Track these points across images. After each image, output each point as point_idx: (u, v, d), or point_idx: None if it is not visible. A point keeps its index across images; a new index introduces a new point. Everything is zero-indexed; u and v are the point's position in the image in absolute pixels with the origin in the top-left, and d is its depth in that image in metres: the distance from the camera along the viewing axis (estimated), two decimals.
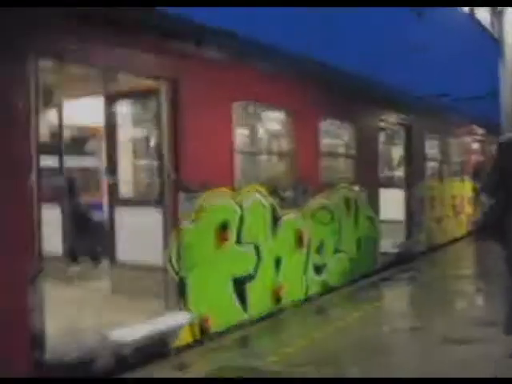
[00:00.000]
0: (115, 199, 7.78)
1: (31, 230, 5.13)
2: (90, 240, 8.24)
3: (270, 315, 7.91)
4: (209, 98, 6.96)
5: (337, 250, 9.68)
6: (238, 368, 5.83)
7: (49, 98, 8.44)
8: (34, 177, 5.11)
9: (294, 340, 6.90)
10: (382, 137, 13.20)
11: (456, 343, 6.43)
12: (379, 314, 8.43)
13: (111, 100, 7.71)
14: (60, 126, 8.50)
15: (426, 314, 8.05)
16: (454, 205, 15.30)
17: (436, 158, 14.69)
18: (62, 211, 8.46)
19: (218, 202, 7.08)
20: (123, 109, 7.72)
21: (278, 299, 8.07)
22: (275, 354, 6.34)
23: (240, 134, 7.90)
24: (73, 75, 6.87)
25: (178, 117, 6.57)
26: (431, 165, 14.32)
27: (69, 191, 8.64)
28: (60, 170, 8.65)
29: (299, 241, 8.57)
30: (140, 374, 5.72)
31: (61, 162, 8.60)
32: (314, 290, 8.99)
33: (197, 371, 5.78)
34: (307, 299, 8.81)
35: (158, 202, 6.71)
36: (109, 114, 7.76)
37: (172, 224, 6.56)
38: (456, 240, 15.12)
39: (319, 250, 9.15)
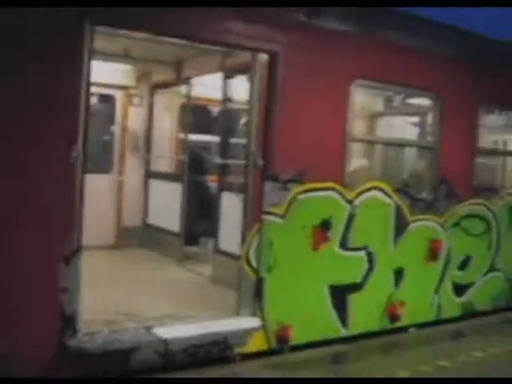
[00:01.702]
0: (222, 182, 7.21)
1: (69, 207, 4.70)
2: (209, 221, 7.78)
3: (382, 334, 6.79)
4: (317, 73, 6.01)
5: (491, 269, 8.07)
6: None
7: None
8: (77, 150, 4.66)
9: (397, 369, 5.76)
10: None
11: None
12: None
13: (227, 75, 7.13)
14: (189, 99, 8.21)
15: None
16: None
17: None
18: (183, 187, 8.15)
19: (320, 198, 6.13)
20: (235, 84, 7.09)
21: (394, 317, 6.88)
22: None
23: (361, 120, 6.81)
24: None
25: (271, 94, 5.74)
26: None
27: (192, 168, 8.25)
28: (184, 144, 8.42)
29: (432, 253, 7.21)
30: (186, 374, 5.14)
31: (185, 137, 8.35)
32: (450, 312, 7.58)
33: None
34: (440, 322, 7.45)
35: (241, 190, 5.97)
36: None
37: (254, 216, 5.78)
38: None
39: (463, 265, 7.67)
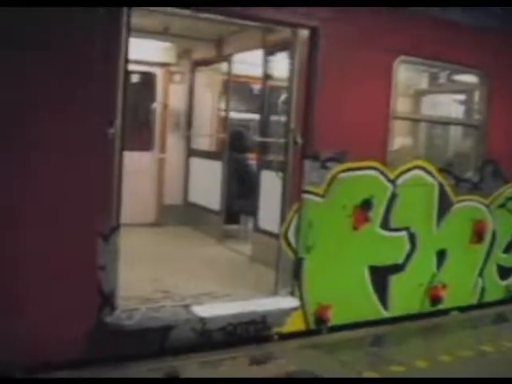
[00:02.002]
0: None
1: (108, 184, 4.70)
2: (249, 200, 7.73)
3: (424, 316, 6.67)
4: (359, 49, 5.85)
5: None
6: (316, 376, 4.86)
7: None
8: (115, 126, 4.65)
9: (437, 353, 5.65)
10: None
11: None
12: None
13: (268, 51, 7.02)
14: (229, 77, 8.14)
15: None
16: None
17: None
18: (224, 166, 8.12)
19: (361, 177, 6.00)
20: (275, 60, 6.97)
21: (435, 299, 6.74)
22: (399, 363, 5.27)
23: (405, 98, 6.63)
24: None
25: (312, 71, 5.62)
26: None
27: (232, 146, 8.19)
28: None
29: (478, 235, 7.01)
30: (221, 354, 5.13)
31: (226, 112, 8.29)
32: (494, 295, 7.38)
33: (269, 369, 4.98)
34: (483, 305, 7.27)
35: (281, 169, 5.89)
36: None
37: (294, 195, 5.70)
38: None
39: (508, 248, 7.44)
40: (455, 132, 8.81)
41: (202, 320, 5.17)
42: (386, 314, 6.36)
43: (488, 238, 7.14)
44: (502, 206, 7.27)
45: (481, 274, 7.19)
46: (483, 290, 7.24)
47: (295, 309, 5.74)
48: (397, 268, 6.41)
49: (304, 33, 5.61)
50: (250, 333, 5.48)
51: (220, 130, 8.74)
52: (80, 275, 4.62)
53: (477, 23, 6.61)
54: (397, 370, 5.16)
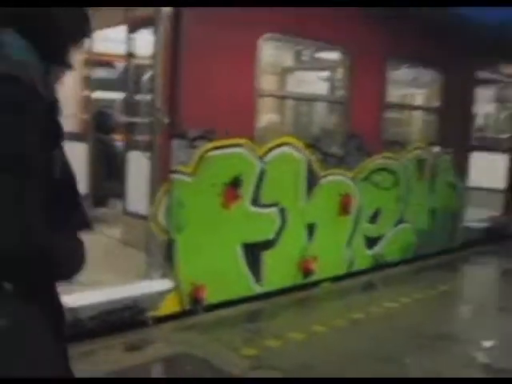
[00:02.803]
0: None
1: None
2: (117, 182, 7.48)
3: (297, 289, 6.82)
4: (224, 26, 5.78)
5: (400, 221, 8.24)
6: (197, 360, 4.84)
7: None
8: None
9: (312, 324, 5.79)
10: (487, 91, 11.28)
11: None
12: (440, 301, 7.00)
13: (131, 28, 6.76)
14: (91, 55, 7.80)
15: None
16: None
17: None
18: (88, 147, 7.80)
19: (229, 155, 5.98)
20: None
21: (307, 272, 6.91)
22: (275, 337, 5.36)
23: (272, 75, 6.66)
24: None
25: (176, 49, 5.49)
26: None
27: (97, 127, 7.89)
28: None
29: (344, 207, 7.25)
30: (95, 344, 4.95)
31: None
32: (362, 265, 7.71)
33: (145, 354, 4.89)
34: (352, 274, 7.57)
35: (146, 148, 5.75)
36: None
37: (162, 176, 5.58)
38: None
39: (373, 219, 7.79)
40: (321, 108, 9.02)
41: (73, 310, 4.93)
42: (260, 290, 6.43)
43: (354, 210, 7.41)
44: (366, 178, 7.57)
45: (349, 245, 7.46)
46: (351, 260, 7.52)
47: (169, 291, 5.65)
48: (268, 244, 6.48)
49: (167, 9, 5.46)
50: (124, 319, 5.32)
51: (83, 110, 8.37)
52: None
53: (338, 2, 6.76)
54: (273, 345, 5.23)
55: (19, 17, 1.81)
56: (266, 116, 7.33)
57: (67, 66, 1.99)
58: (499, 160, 10.80)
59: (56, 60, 1.92)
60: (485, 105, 12.58)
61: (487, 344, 5.59)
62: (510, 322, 6.29)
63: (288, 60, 9.03)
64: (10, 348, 1.66)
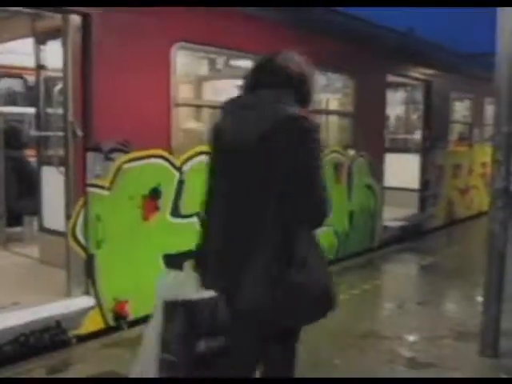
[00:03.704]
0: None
1: None
2: (31, 199, 7.24)
3: None
4: (136, 36, 5.72)
5: None
6: (121, 375, 4.72)
7: None
8: None
9: None
10: (397, 94, 11.70)
11: None
12: (363, 300, 7.12)
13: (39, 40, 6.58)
14: None
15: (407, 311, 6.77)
16: (485, 174, 13.55)
17: (465, 120, 13.03)
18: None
19: (147, 166, 5.90)
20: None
21: None
22: None
23: (187, 85, 6.64)
24: None
25: (87, 60, 5.38)
26: (458, 128, 12.68)
27: (7, 142, 7.61)
28: None
29: None
30: (15, 369, 4.76)
31: None
32: None
33: (68, 376, 4.74)
34: None
35: (60, 163, 5.60)
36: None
37: (78, 190, 5.44)
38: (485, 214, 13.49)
39: None
40: None
41: None
42: None
43: None
44: None
45: None
46: None
47: (91, 308, 5.50)
48: (191, 254, 6.41)
49: (76, 19, 5.33)
50: (45, 341, 5.15)
51: None
52: None
53: (253, 13, 6.82)
54: None
55: None
56: (183, 125, 7.28)
57: None
58: (411, 160, 11.19)
59: None
60: (396, 107, 13.05)
61: (410, 338, 5.77)
62: (428, 316, 6.50)
63: (203, 69, 9.02)
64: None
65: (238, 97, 3.01)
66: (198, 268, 3.05)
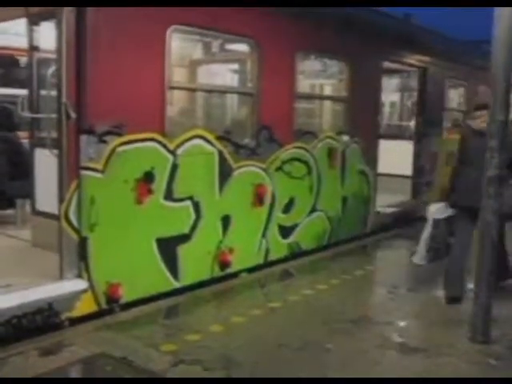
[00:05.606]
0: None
1: None
2: (24, 182, 7.19)
3: (215, 281, 6.81)
4: (131, 18, 5.67)
5: (313, 209, 8.39)
6: (116, 359, 4.74)
7: None
8: None
9: (231, 316, 5.82)
10: (391, 81, 11.67)
11: None
12: (355, 286, 7.17)
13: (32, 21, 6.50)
14: None
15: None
16: None
17: (459, 107, 13.03)
18: None
19: (140, 149, 5.88)
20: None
21: (224, 264, 6.93)
22: (195, 331, 5.34)
23: (182, 68, 6.60)
24: None
25: (81, 42, 5.33)
26: (453, 115, 12.67)
27: None
28: None
29: (257, 197, 7.31)
30: (7, 351, 4.76)
31: None
32: (278, 254, 7.79)
33: (61, 358, 4.75)
34: (269, 264, 7.64)
35: (54, 145, 5.57)
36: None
37: (71, 173, 5.41)
38: None
39: (287, 208, 7.88)
40: (232, 100, 9.03)
41: None
42: (177, 285, 6.37)
43: (268, 200, 7.48)
44: (279, 169, 7.65)
45: (264, 235, 7.52)
46: (267, 249, 7.59)
47: (84, 291, 5.50)
48: (184, 238, 6.43)
49: None
50: (38, 323, 5.16)
51: None
52: None
53: None
54: (193, 339, 5.21)
55: None
56: (177, 109, 7.25)
57: None
58: (405, 147, 11.20)
59: None
60: (391, 94, 13.03)
61: (401, 324, 5.80)
62: (419, 301, 6.54)
63: (198, 52, 8.97)
64: None
65: None
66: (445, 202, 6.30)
